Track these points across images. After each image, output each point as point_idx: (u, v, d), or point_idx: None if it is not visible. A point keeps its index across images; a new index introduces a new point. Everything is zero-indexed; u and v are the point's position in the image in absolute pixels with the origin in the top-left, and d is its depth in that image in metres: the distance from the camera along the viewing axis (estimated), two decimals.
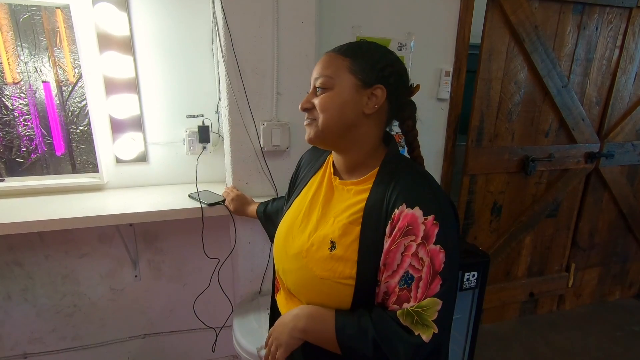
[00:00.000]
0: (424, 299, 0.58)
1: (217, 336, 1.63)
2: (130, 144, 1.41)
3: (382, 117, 0.71)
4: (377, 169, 0.70)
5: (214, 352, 1.65)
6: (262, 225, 1.19)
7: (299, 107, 0.72)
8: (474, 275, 1.44)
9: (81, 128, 1.38)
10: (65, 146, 1.40)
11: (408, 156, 0.78)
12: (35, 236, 1.41)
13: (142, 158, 1.45)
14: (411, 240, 0.60)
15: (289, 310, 0.72)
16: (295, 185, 0.91)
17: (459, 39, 1.68)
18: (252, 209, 1.22)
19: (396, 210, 0.62)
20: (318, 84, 0.69)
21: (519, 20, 1.68)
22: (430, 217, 0.60)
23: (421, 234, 0.59)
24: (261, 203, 1.20)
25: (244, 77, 1.23)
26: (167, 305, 1.65)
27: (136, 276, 1.57)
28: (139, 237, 1.53)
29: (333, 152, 0.78)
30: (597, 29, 1.84)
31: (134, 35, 1.34)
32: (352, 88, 0.67)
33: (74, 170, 1.42)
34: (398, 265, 0.61)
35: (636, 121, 2.07)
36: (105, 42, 1.30)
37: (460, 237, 1.94)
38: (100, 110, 1.37)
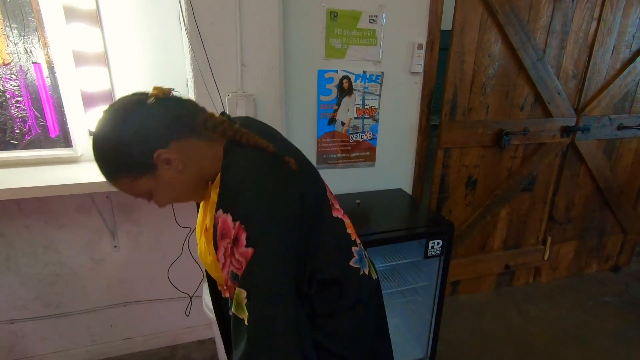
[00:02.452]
0: (238, 288, 0.64)
1: (190, 301, 1.71)
2: None
3: (193, 157, 0.69)
4: (219, 175, 0.70)
5: (188, 316, 1.73)
6: None
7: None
8: (438, 243, 1.48)
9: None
10: (59, 128, 1.44)
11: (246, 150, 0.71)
12: (14, 206, 1.46)
13: None
14: (227, 243, 0.63)
15: None
16: None
17: (431, 10, 1.68)
18: None
19: (216, 213, 0.65)
20: (133, 196, 0.71)
21: None
22: (237, 223, 0.62)
23: (233, 237, 0.62)
24: None
25: (207, 48, 1.25)
26: (146, 274, 1.71)
27: (115, 246, 1.63)
28: (115, 208, 1.58)
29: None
30: (573, 0, 1.82)
31: (100, 7, 1.35)
32: (147, 179, 0.67)
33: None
34: (223, 264, 0.65)
35: (613, 95, 2.07)
36: (71, 14, 1.32)
37: (434, 210, 1.98)
38: (70, 84, 1.39)
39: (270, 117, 1.39)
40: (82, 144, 1.47)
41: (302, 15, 1.52)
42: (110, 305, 1.71)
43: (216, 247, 0.66)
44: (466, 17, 1.70)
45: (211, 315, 1.30)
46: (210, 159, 0.70)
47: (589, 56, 1.96)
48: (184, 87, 1.51)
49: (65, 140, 1.45)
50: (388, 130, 1.81)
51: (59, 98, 1.40)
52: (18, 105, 1.37)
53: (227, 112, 1.31)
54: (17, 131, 1.40)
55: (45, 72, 1.37)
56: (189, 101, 0.73)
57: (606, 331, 2.01)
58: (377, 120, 1.79)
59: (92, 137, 0.67)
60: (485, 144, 1.95)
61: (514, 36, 1.77)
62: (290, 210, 0.66)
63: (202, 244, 0.76)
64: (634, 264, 2.64)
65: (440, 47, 1.74)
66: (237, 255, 0.63)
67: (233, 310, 0.65)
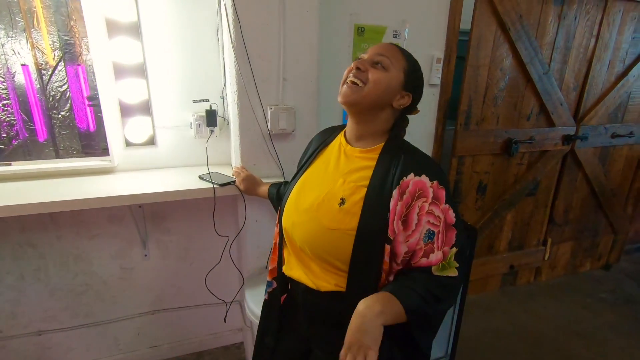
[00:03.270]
0: (447, 249, 0.74)
1: (227, 308, 1.73)
2: (139, 127, 1.46)
3: (395, 114, 0.86)
4: (383, 143, 0.84)
5: (225, 322, 1.75)
6: (274, 206, 1.27)
7: (353, 65, 0.82)
8: None
9: (63, 113, 1.38)
10: (48, 132, 1.39)
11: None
12: (47, 218, 1.45)
13: (151, 141, 1.51)
14: (423, 202, 0.74)
15: (352, 318, 0.69)
16: (305, 161, 0.99)
17: (449, 26, 1.78)
18: (263, 189, 1.30)
19: (405, 178, 0.76)
20: (379, 59, 0.80)
21: (505, 10, 1.78)
22: (435, 182, 0.76)
23: (431, 195, 0.74)
24: (272, 184, 1.27)
25: (252, 63, 1.29)
26: (174, 282, 1.73)
27: (146, 255, 1.64)
28: (147, 218, 1.59)
29: (350, 119, 0.88)
30: (575, 18, 1.97)
31: (140, 20, 1.37)
32: (398, 83, 0.82)
33: (57, 156, 1.43)
34: (416, 224, 0.74)
35: (608, 106, 2.23)
36: (113, 28, 1.33)
37: None
38: (110, 95, 1.41)
39: (306, 127, 1.44)
40: (119, 154, 1.48)
41: (334, 31, 1.58)
42: (139, 314, 1.71)
43: (374, 204, 0.76)
44: (481, 33, 1.81)
45: (252, 317, 1.33)
46: (386, 124, 0.86)
47: (588, 70, 2.11)
48: (219, 99, 1.55)
49: (53, 144, 1.41)
50: (407, 138, 1.89)
51: (47, 101, 1.35)
52: (6, 108, 1.31)
53: (270, 124, 1.36)
54: (4, 135, 1.33)
55: (34, 74, 1.31)
56: None
57: (605, 325, 2.16)
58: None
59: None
60: (495, 152, 2.07)
61: (523, 51, 1.89)
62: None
63: (329, 194, 0.83)
64: (623, 261, 2.83)
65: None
66: (437, 212, 0.74)
67: (439, 272, 0.74)
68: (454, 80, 1.89)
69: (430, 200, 0.74)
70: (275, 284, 0.99)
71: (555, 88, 2.05)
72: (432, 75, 1.83)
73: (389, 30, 1.68)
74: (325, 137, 0.99)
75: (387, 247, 0.76)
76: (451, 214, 0.75)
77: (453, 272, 0.75)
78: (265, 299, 1.04)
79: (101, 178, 1.44)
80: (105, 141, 1.45)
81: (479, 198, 2.16)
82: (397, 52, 0.83)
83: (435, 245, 0.74)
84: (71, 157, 1.46)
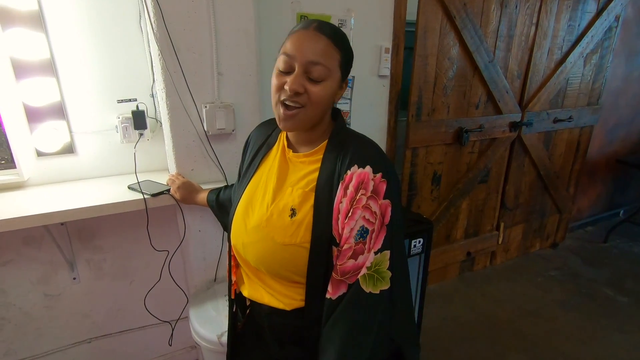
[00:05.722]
0: (376, 252, 0.64)
1: (172, 329, 1.58)
2: (52, 134, 1.26)
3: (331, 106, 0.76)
4: (326, 140, 0.75)
5: (170, 345, 1.60)
6: (215, 214, 1.15)
7: (289, 89, 0.67)
8: (419, 242, 1.54)
9: None
10: None
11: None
12: None
13: (69, 149, 1.31)
14: (362, 194, 0.65)
15: None
16: (248, 164, 0.89)
17: (395, 15, 1.72)
18: (202, 196, 1.17)
19: (349, 171, 0.67)
20: (316, 72, 0.67)
21: None
22: (379, 175, 0.66)
23: (371, 188, 0.65)
24: (211, 191, 1.15)
25: (180, 56, 1.14)
26: (113, 305, 1.55)
27: (74, 278, 1.44)
28: (73, 236, 1.40)
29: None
30: (516, 7, 1.99)
31: (43, 8, 1.17)
32: (337, 83, 0.72)
33: None
34: (349, 218, 0.65)
35: (549, 92, 2.31)
36: (7, 17, 1.12)
37: (405, 207, 2.06)
38: (10, 97, 1.19)
39: (248, 126, 1.31)
40: (29, 166, 1.27)
41: (273, 20, 1.46)
42: (72, 344, 1.52)
43: (324, 208, 0.69)
44: (428, 22, 1.77)
45: (198, 339, 1.21)
46: (328, 118, 0.77)
47: (530, 58, 2.16)
48: (148, 97, 1.38)
49: None
50: (359, 131, 1.83)
51: None
52: None
53: (206, 124, 1.22)
54: None
55: None
56: None
57: (555, 302, 2.27)
58: (349, 124, 1.80)
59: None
60: (448, 142, 2.07)
61: (469, 40, 1.89)
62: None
63: (277, 207, 0.74)
64: (568, 239, 3.00)
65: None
66: (374, 208, 0.64)
67: (371, 288, 0.64)
68: (403, 71, 1.85)
69: (369, 193, 0.65)
70: (235, 307, 0.89)
71: (501, 76, 2.08)
72: (382, 66, 1.77)
73: (334, 19, 1.59)
74: (266, 132, 0.88)
75: (335, 250, 0.68)
76: (389, 212, 0.65)
77: (386, 284, 0.65)
78: (232, 320, 0.93)
79: (10, 195, 1.23)
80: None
81: (434, 189, 2.16)
82: (330, 49, 0.68)
83: (366, 246, 0.65)
84: (1, 168, 1.24)
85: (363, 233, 0.64)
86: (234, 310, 0.91)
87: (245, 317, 0.90)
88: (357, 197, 0.65)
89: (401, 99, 1.88)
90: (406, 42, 1.79)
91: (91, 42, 1.26)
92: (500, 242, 2.57)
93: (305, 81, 0.67)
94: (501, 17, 1.97)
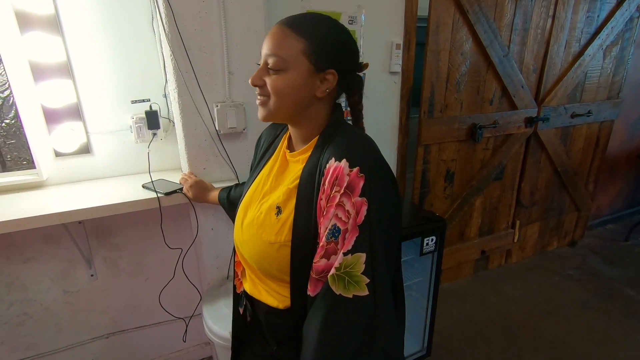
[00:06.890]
0: (346, 253, 0.59)
1: (187, 326, 1.61)
2: (69, 134, 1.29)
3: (332, 95, 0.73)
4: (316, 138, 0.72)
5: (185, 342, 1.62)
6: (226, 212, 1.16)
7: (250, 82, 0.70)
8: (432, 240, 1.52)
9: (7, 121, 1.24)
10: None
11: (350, 123, 0.79)
12: None
13: (85, 149, 1.34)
14: (336, 191, 0.61)
15: None
16: (257, 164, 0.89)
17: (407, 10, 1.70)
18: (214, 195, 1.18)
19: (327, 165, 0.64)
20: (271, 64, 0.67)
21: None
22: (355, 169, 0.60)
23: (345, 184, 0.60)
24: (223, 189, 1.16)
25: (192, 57, 1.16)
26: (129, 301, 1.58)
27: (92, 275, 1.48)
28: (90, 234, 1.43)
29: (288, 124, 0.79)
30: None
31: (59, 13, 1.20)
32: (306, 73, 0.66)
33: (5, 168, 1.29)
34: (324, 216, 0.62)
35: (567, 86, 2.25)
36: (26, 21, 1.15)
37: (417, 205, 2.03)
38: (30, 99, 1.23)
39: (259, 125, 1.33)
40: (48, 166, 1.31)
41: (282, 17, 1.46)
42: (91, 339, 1.56)
43: (305, 205, 0.66)
44: (440, 16, 1.74)
45: (211, 335, 1.23)
46: (326, 114, 0.73)
47: (546, 51, 2.10)
48: (161, 97, 1.41)
49: None
50: (370, 129, 1.77)
51: None
52: None
53: (217, 123, 1.24)
54: None
55: None
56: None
57: (573, 302, 2.21)
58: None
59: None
60: (461, 139, 2.03)
61: (482, 34, 1.85)
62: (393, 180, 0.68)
63: (266, 205, 0.73)
64: (587, 237, 2.91)
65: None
66: (347, 206, 0.59)
67: (344, 291, 0.58)
68: (415, 67, 1.83)
69: (342, 190, 0.59)
70: (245, 300, 0.89)
71: (516, 70, 2.03)
72: (393, 63, 1.75)
73: (344, 16, 1.58)
74: (275, 133, 0.88)
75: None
76: (362, 212, 0.59)
77: (362, 290, 0.58)
78: (236, 315, 0.93)
79: (30, 194, 1.27)
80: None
81: (447, 186, 2.13)
82: (286, 37, 0.65)
83: (338, 246, 0.60)
84: (21, 168, 1.29)
85: (335, 232, 0.60)
86: (242, 306, 0.91)
87: (250, 312, 0.89)
88: (332, 194, 0.61)
89: (413, 96, 1.86)
90: (418, 37, 1.77)
91: (105, 44, 1.29)
92: (515, 240, 2.52)
93: (266, 74, 0.69)
94: (516, 10, 1.92)
